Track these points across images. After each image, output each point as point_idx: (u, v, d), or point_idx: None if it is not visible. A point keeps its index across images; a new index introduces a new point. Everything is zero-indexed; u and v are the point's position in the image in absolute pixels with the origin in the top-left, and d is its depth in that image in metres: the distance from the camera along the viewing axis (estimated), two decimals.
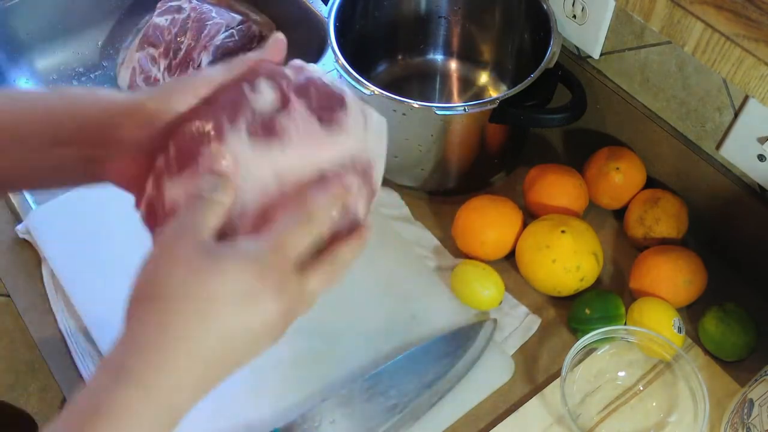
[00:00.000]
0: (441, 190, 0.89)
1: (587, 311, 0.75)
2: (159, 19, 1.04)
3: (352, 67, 0.80)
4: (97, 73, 1.13)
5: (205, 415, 0.72)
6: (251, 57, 0.50)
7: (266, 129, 0.44)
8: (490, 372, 0.75)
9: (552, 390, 0.74)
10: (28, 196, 0.88)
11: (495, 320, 0.76)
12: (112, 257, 0.81)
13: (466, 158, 0.84)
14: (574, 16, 0.84)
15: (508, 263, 0.83)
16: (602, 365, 0.75)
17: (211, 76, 0.48)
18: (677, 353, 0.71)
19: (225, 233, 0.44)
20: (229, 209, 0.43)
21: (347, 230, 0.48)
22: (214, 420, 0.71)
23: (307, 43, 1.10)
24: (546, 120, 0.80)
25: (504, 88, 0.99)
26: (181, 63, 1.01)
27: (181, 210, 0.44)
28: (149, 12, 1.09)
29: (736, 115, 0.73)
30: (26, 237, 0.85)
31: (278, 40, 0.52)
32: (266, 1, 1.14)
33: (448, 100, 1.01)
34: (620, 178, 0.83)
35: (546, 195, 0.83)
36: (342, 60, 0.80)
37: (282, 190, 0.44)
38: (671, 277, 0.76)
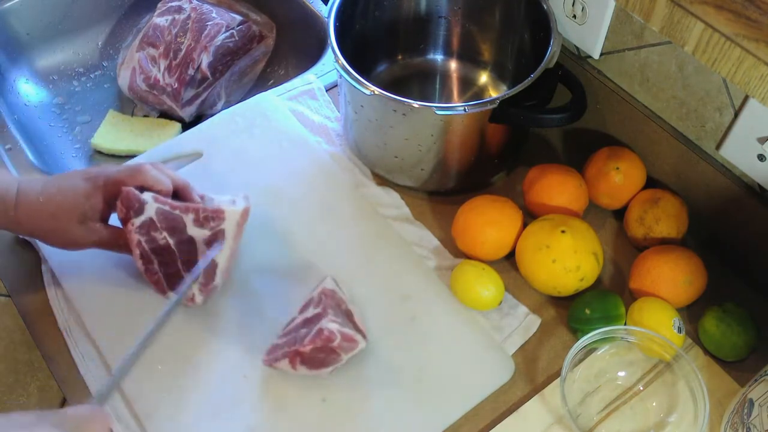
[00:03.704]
0: (441, 190, 0.89)
1: (587, 311, 0.75)
2: (159, 19, 1.04)
3: (352, 67, 0.80)
4: (97, 73, 1.13)
5: (206, 414, 0.72)
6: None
7: None
8: (490, 372, 0.75)
9: (552, 390, 0.74)
10: None
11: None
12: (111, 257, 0.81)
13: (466, 158, 0.84)
14: (574, 16, 0.84)
15: (508, 263, 0.83)
16: (602, 365, 0.75)
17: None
18: (677, 353, 0.71)
19: None
20: None
21: None
22: (213, 420, 0.71)
23: (307, 43, 1.10)
24: (546, 120, 0.80)
25: (504, 88, 0.99)
26: (181, 63, 1.01)
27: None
28: (149, 12, 1.09)
29: (736, 115, 0.73)
30: (26, 237, 0.85)
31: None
32: (266, 1, 1.14)
33: (448, 100, 1.01)
34: (620, 178, 0.83)
35: (546, 195, 0.83)
36: (342, 60, 0.80)
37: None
38: (671, 277, 0.76)
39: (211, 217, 0.74)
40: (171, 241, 0.74)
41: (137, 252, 0.75)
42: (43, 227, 0.73)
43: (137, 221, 0.74)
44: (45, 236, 0.75)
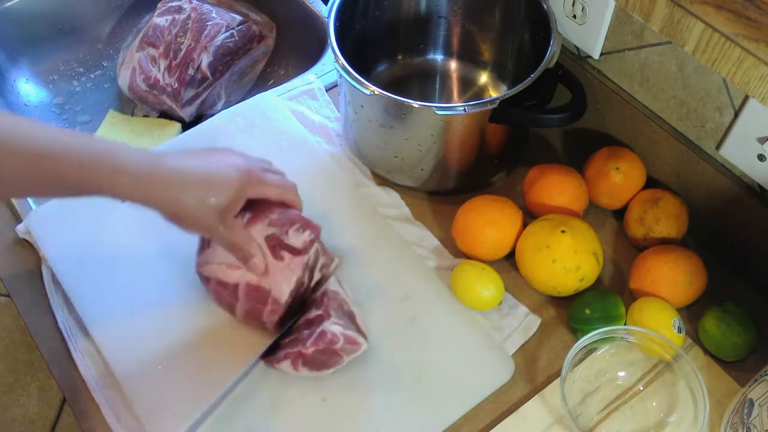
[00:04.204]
0: (441, 190, 0.89)
1: (587, 311, 0.75)
2: (159, 20, 1.04)
3: (352, 67, 0.80)
4: (97, 73, 1.13)
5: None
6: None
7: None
8: (490, 372, 0.75)
9: (552, 390, 0.74)
10: None
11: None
12: (111, 257, 0.81)
13: (466, 158, 0.84)
14: (574, 16, 0.84)
15: (508, 263, 0.83)
16: (602, 365, 0.75)
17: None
18: (677, 353, 0.71)
19: None
20: None
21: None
22: (214, 419, 0.71)
23: (307, 43, 1.10)
24: (546, 120, 0.80)
25: (504, 88, 0.99)
26: (181, 63, 1.01)
27: None
28: (149, 12, 1.09)
29: (736, 115, 0.73)
30: (26, 237, 0.85)
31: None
32: (266, 1, 1.14)
33: (448, 100, 1.01)
34: (620, 178, 0.83)
35: (546, 195, 0.83)
36: (342, 60, 0.80)
37: None
38: (671, 277, 0.76)
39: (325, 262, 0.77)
40: (309, 284, 0.75)
41: (289, 289, 0.71)
42: (176, 197, 0.65)
43: (305, 260, 0.72)
44: (167, 206, 0.66)
